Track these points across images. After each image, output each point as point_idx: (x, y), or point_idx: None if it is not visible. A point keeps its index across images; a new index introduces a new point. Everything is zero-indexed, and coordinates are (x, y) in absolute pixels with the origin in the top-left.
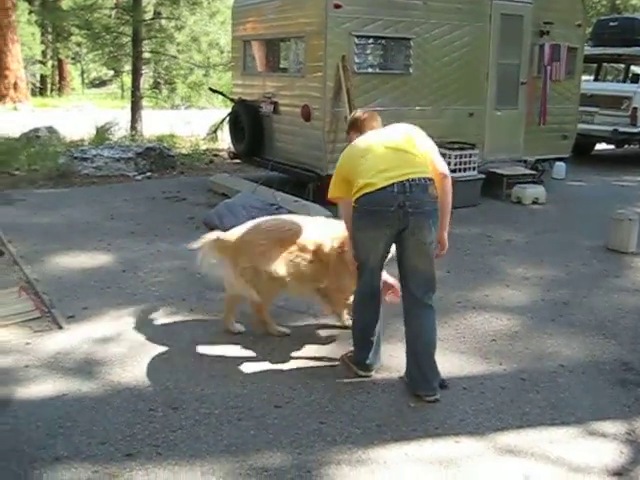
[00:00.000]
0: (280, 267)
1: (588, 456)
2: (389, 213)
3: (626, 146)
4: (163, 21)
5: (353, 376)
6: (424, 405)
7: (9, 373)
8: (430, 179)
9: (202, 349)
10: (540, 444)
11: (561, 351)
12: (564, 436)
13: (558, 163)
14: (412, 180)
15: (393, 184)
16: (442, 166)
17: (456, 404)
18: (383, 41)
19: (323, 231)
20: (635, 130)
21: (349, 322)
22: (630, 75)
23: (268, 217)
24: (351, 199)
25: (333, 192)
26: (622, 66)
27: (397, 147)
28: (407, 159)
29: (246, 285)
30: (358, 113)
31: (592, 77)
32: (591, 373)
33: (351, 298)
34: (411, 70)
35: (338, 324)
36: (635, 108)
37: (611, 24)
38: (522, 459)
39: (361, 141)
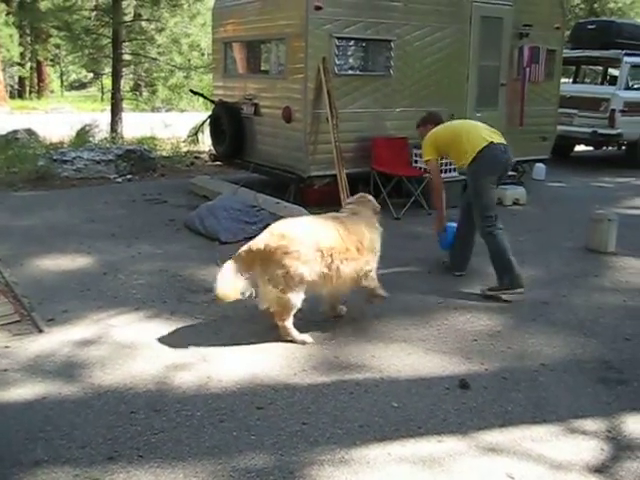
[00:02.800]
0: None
1: (569, 454)
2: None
3: (604, 148)
4: (143, 23)
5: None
6: (407, 405)
7: None
8: None
9: (183, 351)
10: (522, 442)
11: (542, 350)
12: (546, 434)
13: (538, 164)
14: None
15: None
16: None
17: (438, 404)
18: (364, 43)
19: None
20: (613, 132)
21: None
22: (608, 77)
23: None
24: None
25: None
26: (600, 68)
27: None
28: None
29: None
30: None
31: (571, 79)
32: (572, 371)
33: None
34: (392, 72)
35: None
36: (613, 110)
37: (589, 27)
38: (505, 457)
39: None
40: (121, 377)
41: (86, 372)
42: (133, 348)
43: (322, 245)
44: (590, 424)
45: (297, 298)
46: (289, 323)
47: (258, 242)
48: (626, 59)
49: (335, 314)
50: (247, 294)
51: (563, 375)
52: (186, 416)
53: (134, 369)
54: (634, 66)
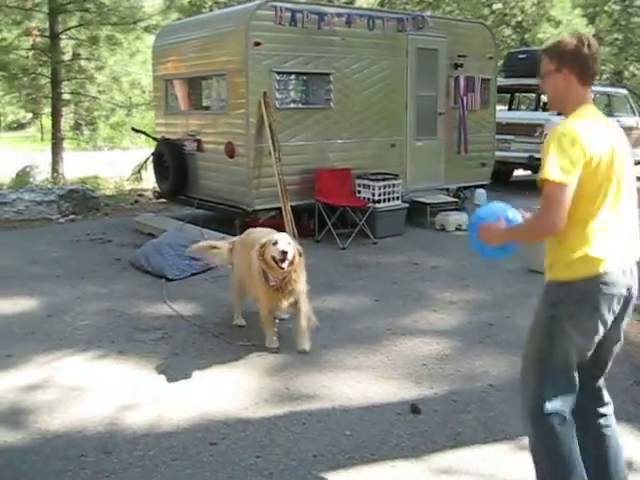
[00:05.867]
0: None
1: (519, 471)
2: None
3: None
4: (82, 62)
5: None
6: (360, 433)
7: None
8: None
9: (133, 391)
10: (473, 463)
11: (489, 371)
12: (496, 453)
13: (479, 190)
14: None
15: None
16: None
17: (391, 429)
18: (304, 77)
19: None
20: None
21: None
22: (541, 104)
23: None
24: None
25: (563, 172)
26: (533, 96)
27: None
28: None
29: None
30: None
31: (506, 107)
32: (519, 391)
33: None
34: (332, 104)
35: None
36: (547, 135)
37: (520, 56)
38: (457, 478)
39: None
40: (69, 421)
41: (33, 417)
42: (81, 390)
43: None
44: None
45: None
46: None
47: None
48: None
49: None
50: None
51: (510, 394)
52: (138, 456)
53: (83, 412)
54: None
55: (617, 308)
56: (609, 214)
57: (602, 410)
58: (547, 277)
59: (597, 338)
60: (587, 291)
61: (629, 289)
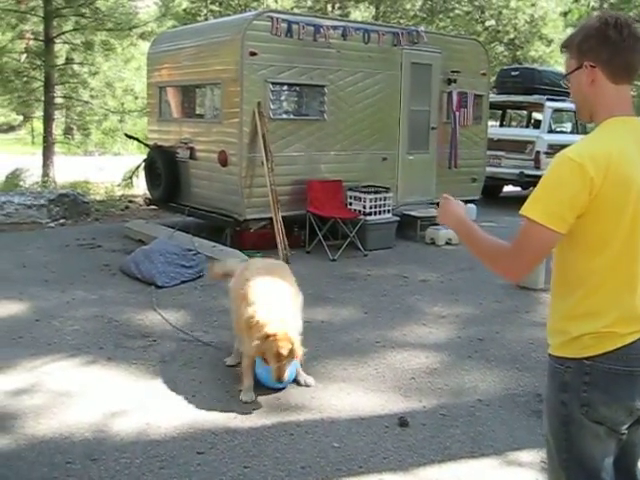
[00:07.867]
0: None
1: None
2: None
3: (531, 188)
4: (76, 66)
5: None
6: (348, 445)
7: None
8: None
9: (120, 398)
10: (461, 477)
11: (478, 386)
12: (484, 468)
13: (469, 205)
14: None
15: None
16: None
17: (379, 442)
18: (298, 88)
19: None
20: (539, 173)
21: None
22: (532, 121)
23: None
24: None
25: (551, 216)
26: (525, 113)
27: None
28: None
29: None
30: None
31: (498, 123)
32: (507, 405)
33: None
34: (326, 116)
35: None
36: (538, 152)
37: (513, 73)
38: None
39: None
40: (56, 426)
41: (19, 423)
42: (69, 396)
43: None
44: (526, 456)
45: None
46: None
47: None
48: (548, 104)
49: None
50: None
51: (499, 409)
52: (125, 464)
53: (70, 418)
54: (556, 110)
55: None
56: (632, 266)
57: None
58: (550, 348)
59: (625, 427)
60: (599, 373)
61: None
